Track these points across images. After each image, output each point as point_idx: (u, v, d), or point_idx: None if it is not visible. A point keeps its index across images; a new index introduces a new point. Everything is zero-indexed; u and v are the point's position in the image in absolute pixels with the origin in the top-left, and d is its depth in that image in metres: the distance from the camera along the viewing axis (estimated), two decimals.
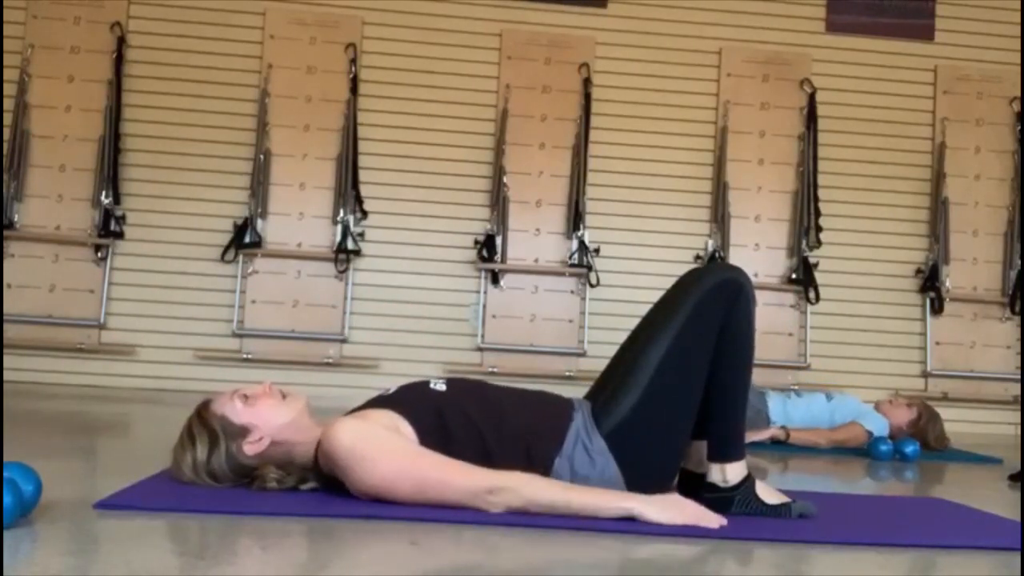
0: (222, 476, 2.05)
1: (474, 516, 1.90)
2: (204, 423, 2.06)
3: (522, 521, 1.88)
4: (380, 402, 2.10)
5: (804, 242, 5.75)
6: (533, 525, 1.87)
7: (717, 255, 5.68)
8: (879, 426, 4.11)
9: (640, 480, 2.09)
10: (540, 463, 2.06)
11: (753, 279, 2.32)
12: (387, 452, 1.95)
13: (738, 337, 2.11)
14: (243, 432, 2.04)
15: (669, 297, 2.19)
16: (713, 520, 1.95)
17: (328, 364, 5.49)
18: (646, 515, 1.92)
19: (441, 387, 2.15)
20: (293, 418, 2.08)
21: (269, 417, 2.06)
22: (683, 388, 2.11)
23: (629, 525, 1.90)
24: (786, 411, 4.24)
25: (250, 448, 2.04)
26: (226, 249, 5.48)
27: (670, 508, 1.95)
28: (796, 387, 4.61)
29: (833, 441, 4.05)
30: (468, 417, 2.07)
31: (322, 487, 2.06)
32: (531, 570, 1.65)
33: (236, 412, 2.05)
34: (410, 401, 2.08)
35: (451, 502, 1.93)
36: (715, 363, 2.10)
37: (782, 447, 3.99)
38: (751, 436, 3.86)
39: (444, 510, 1.92)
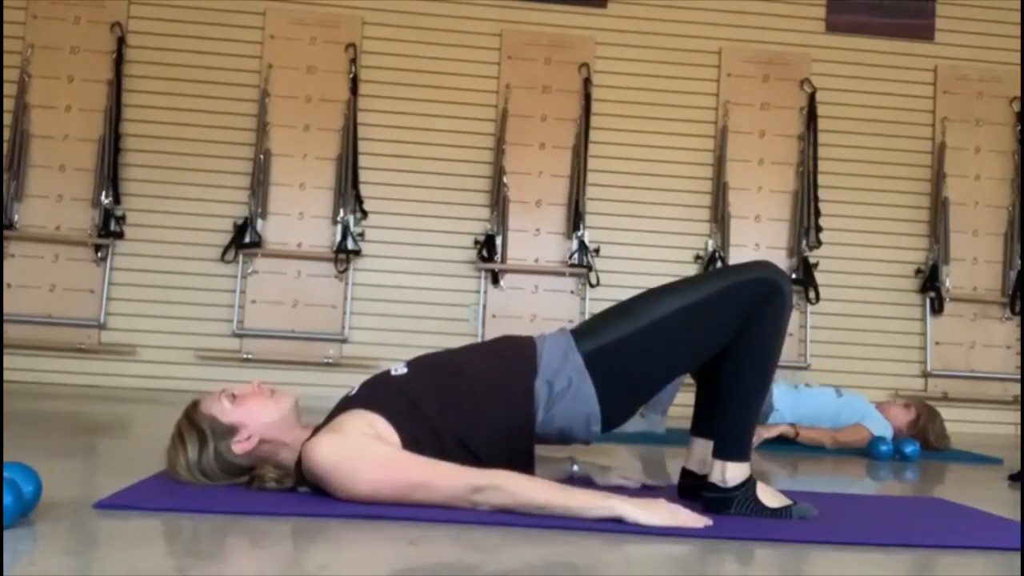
0: (214, 475, 2.05)
1: (474, 516, 1.90)
2: (193, 423, 2.06)
3: (521, 521, 1.88)
4: (348, 404, 2.09)
5: (804, 242, 5.75)
6: (532, 525, 1.87)
7: (717, 255, 5.68)
8: (883, 428, 4.11)
9: (612, 405, 2.10)
10: (521, 397, 2.07)
11: None
12: (369, 462, 1.94)
13: (763, 338, 2.09)
14: (231, 431, 2.04)
15: (706, 274, 2.18)
16: (699, 522, 1.93)
17: (328, 364, 5.49)
18: (632, 516, 1.90)
19: (402, 370, 2.15)
20: (282, 416, 2.07)
21: (257, 415, 2.05)
22: (674, 348, 2.10)
23: (628, 525, 1.89)
24: (793, 402, 4.21)
25: (239, 447, 2.04)
26: (226, 249, 5.48)
27: (657, 511, 1.92)
28: (806, 383, 4.55)
29: (838, 442, 4.06)
30: (437, 389, 2.08)
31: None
32: (531, 570, 1.64)
33: (224, 411, 2.05)
34: (377, 396, 2.07)
35: (437, 504, 1.93)
36: (734, 357, 2.09)
37: (787, 446, 3.99)
38: (761, 433, 3.87)
39: (444, 510, 1.91)
